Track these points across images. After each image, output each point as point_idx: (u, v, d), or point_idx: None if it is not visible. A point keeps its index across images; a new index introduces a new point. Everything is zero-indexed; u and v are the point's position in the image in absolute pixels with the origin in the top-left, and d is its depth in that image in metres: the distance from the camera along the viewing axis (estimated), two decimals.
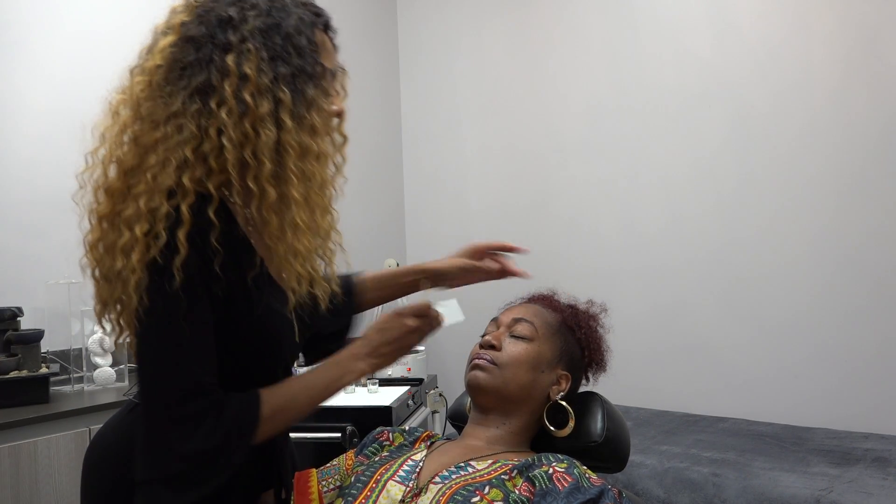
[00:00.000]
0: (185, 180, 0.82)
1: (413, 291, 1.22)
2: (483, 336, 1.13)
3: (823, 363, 2.52)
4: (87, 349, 2.08)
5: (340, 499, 0.98)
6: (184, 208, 0.82)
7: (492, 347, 1.09)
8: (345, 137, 0.98)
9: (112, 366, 2.08)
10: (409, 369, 2.63)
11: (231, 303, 0.88)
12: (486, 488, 0.89)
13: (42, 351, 1.92)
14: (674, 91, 2.85)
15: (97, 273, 0.89)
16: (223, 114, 0.82)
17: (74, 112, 2.34)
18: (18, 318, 1.92)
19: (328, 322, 1.09)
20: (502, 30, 3.36)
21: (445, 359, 3.48)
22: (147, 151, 0.84)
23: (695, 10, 2.80)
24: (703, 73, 2.78)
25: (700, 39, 2.79)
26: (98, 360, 2.08)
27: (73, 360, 2.09)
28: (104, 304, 0.90)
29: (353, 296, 1.19)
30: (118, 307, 0.88)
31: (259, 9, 0.85)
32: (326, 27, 0.96)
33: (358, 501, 0.95)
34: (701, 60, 2.79)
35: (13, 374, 1.80)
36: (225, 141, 0.83)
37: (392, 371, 2.60)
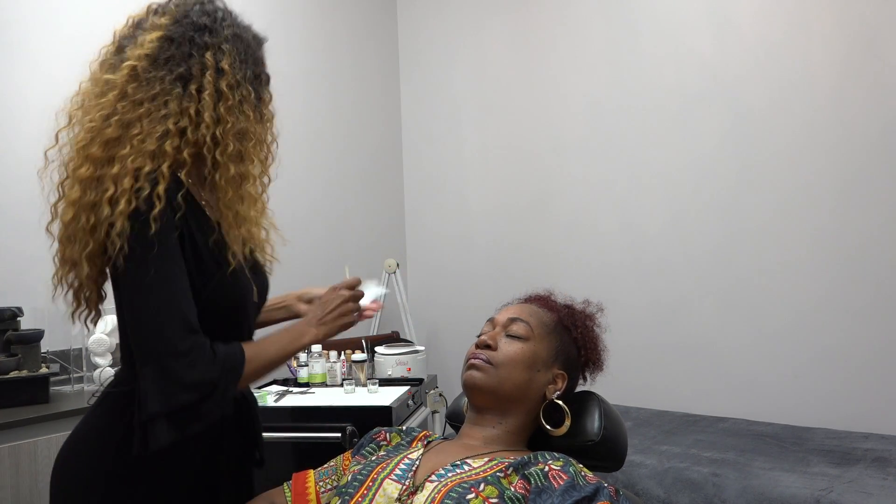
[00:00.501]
0: (167, 146, 0.98)
1: (280, 316, 1.35)
2: (479, 336, 1.13)
3: (823, 363, 2.52)
4: (87, 349, 2.08)
5: (337, 497, 0.98)
6: (164, 168, 0.97)
7: (487, 347, 1.09)
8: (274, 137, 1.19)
9: (112, 366, 2.08)
10: (409, 369, 2.63)
11: (200, 261, 1.02)
12: (482, 485, 0.89)
13: (42, 351, 1.93)
14: (674, 91, 2.85)
15: (64, 235, 1.01)
16: (205, 96, 1.00)
17: None
18: (18, 318, 1.92)
19: None
20: (502, 30, 3.36)
21: (445, 359, 3.49)
22: (130, 125, 0.98)
23: (695, 10, 2.80)
24: (703, 73, 2.78)
25: (700, 39, 2.79)
26: (98, 360, 2.08)
27: (73, 360, 2.09)
28: (71, 265, 1.02)
29: None
30: (77, 271, 1.00)
31: (228, 21, 1.06)
32: (261, 45, 1.16)
33: (354, 500, 0.95)
34: (701, 60, 2.79)
35: (13, 374, 1.80)
36: (206, 118, 1.00)
37: (392, 371, 2.61)
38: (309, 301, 1.32)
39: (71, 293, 1.05)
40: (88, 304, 1.07)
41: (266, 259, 1.18)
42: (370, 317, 1.29)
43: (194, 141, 1.01)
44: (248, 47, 1.07)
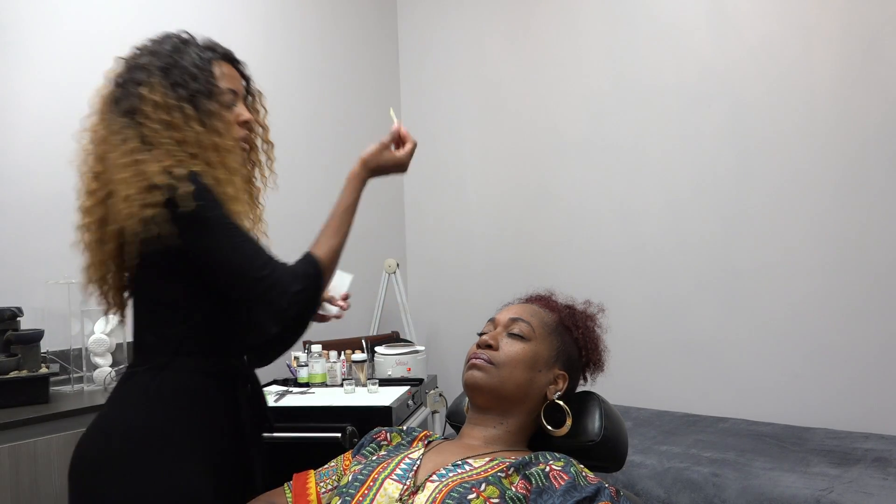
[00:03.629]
0: (138, 156, 1.11)
1: None
2: (480, 335, 1.13)
3: (823, 363, 2.52)
4: (86, 349, 2.08)
5: (338, 497, 0.98)
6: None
7: (489, 347, 1.09)
8: (252, 145, 1.32)
9: (112, 366, 2.08)
10: (409, 369, 2.63)
11: None
12: (483, 485, 0.89)
13: (42, 351, 1.92)
14: (673, 89, 2.85)
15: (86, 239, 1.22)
16: (149, 123, 1.13)
17: (73, 112, 2.33)
18: (18, 318, 1.92)
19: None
20: (502, 29, 3.36)
21: (445, 359, 3.49)
22: (105, 159, 1.15)
23: (695, 10, 2.80)
24: (702, 71, 2.78)
25: (700, 38, 2.79)
26: (98, 360, 2.08)
27: (73, 360, 2.09)
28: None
29: None
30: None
31: (161, 55, 1.18)
32: (227, 59, 1.27)
33: (355, 500, 0.95)
34: (700, 59, 2.79)
35: (13, 374, 1.80)
36: (160, 139, 1.12)
37: (392, 371, 2.61)
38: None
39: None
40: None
41: None
42: (340, 317, 1.38)
43: (162, 152, 1.13)
44: (183, 70, 1.18)
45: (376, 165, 1.28)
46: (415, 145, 1.30)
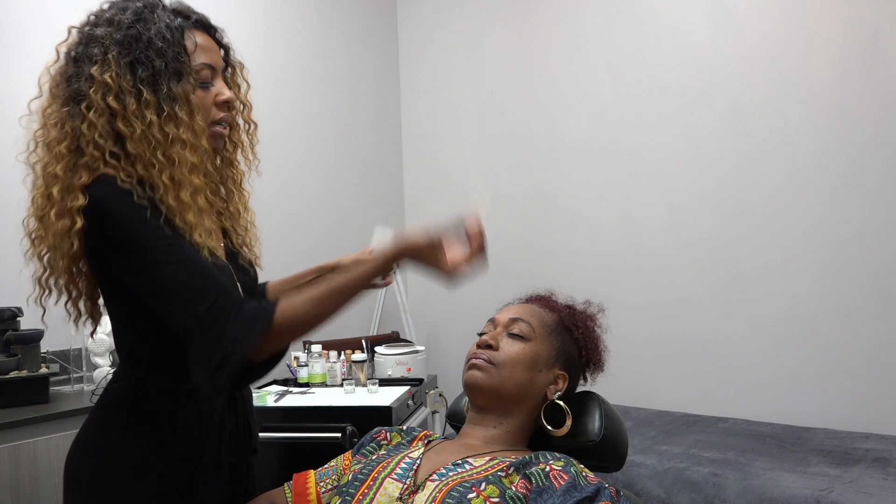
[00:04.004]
0: (59, 170, 0.99)
1: None
2: (480, 335, 1.13)
3: (823, 363, 2.52)
4: (86, 349, 2.08)
5: (338, 497, 0.98)
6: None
7: (489, 347, 1.09)
8: (233, 124, 1.12)
9: (112, 366, 2.08)
10: (409, 369, 2.63)
11: None
12: (483, 485, 0.90)
13: (42, 351, 1.93)
14: (673, 89, 2.85)
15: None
16: (91, 115, 0.96)
17: None
18: (18, 318, 1.92)
19: None
20: (502, 30, 3.37)
21: (445, 359, 3.48)
22: (45, 148, 1.02)
23: (695, 10, 2.80)
24: (702, 71, 2.78)
25: (699, 38, 2.79)
26: (98, 360, 2.08)
27: (73, 360, 2.09)
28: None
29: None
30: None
31: (120, 25, 0.98)
32: (202, 27, 1.06)
33: (355, 499, 0.95)
34: (700, 59, 2.79)
35: (13, 374, 1.80)
36: (96, 137, 0.96)
37: (392, 371, 2.61)
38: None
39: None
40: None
41: (251, 259, 1.18)
42: (388, 282, 1.21)
43: (95, 158, 0.97)
44: (148, 44, 0.97)
45: (416, 255, 1.03)
46: (477, 260, 1.00)
